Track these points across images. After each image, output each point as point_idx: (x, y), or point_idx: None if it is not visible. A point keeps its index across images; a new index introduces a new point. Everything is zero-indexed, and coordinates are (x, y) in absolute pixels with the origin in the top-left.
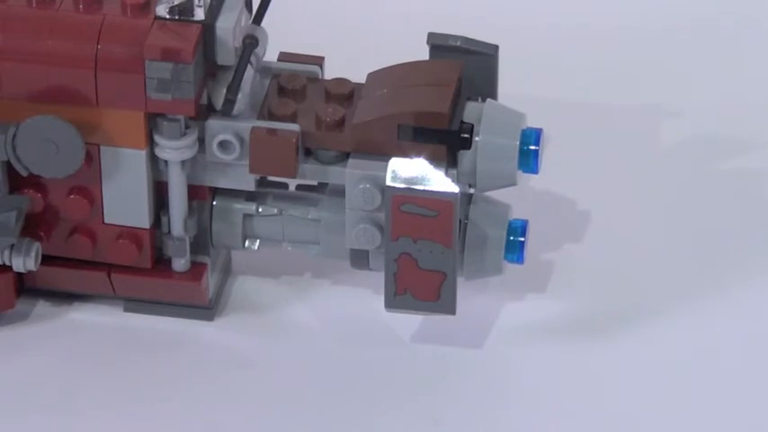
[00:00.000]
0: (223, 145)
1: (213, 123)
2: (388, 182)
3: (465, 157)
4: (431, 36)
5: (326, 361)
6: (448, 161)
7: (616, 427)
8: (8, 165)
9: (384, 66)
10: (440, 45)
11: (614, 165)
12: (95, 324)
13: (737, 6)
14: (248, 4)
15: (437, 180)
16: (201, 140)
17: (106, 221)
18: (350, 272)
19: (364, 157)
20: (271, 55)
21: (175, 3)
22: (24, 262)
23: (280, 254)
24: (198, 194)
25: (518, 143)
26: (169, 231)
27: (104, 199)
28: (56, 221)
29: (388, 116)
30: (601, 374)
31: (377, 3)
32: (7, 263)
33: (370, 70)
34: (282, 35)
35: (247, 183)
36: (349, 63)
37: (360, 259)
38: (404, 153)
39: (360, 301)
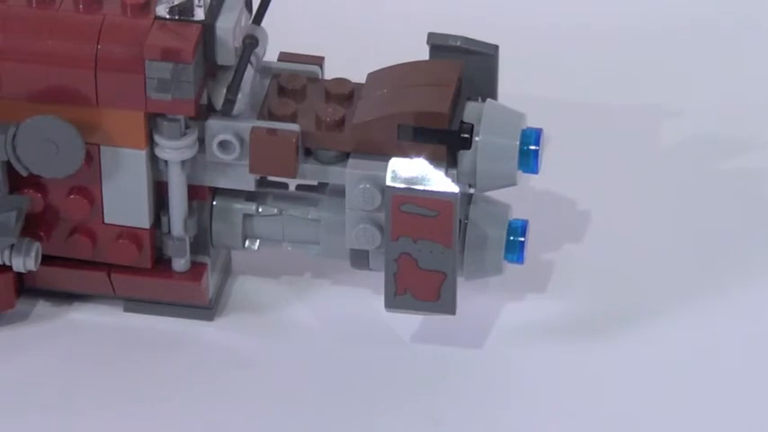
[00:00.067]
0: (223, 145)
1: (213, 123)
2: (388, 182)
3: (465, 157)
4: (431, 36)
5: (326, 361)
6: (448, 161)
7: (616, 427)
8: (8, 165)
9: (384, 66)
10: (440, 45)
11: (614, 165)
12: (95, 324)
13: (737, 6)
14: (248, 4)
15: (437, 180)
16: (201, 140)
17: (106, 221)
18: (350, 272)
19: (364, 157)
20: (271, 55)
21: (175, 3)
22: (24, 262)
23: (280, 254)
24: (198, 194)
25: (518, 143)
26: (169, 231)
27: (104, 199)
28: (56, 221)
29: (388, 116)
30: (601, 374)
31: (377, 3)
32: (7, 263)
33: (370, 70)
34: (282, 35)
35: (247, 183)
36: (349, 63)
37: (360, 259)
38: (404, 153)
39: (360, 301)
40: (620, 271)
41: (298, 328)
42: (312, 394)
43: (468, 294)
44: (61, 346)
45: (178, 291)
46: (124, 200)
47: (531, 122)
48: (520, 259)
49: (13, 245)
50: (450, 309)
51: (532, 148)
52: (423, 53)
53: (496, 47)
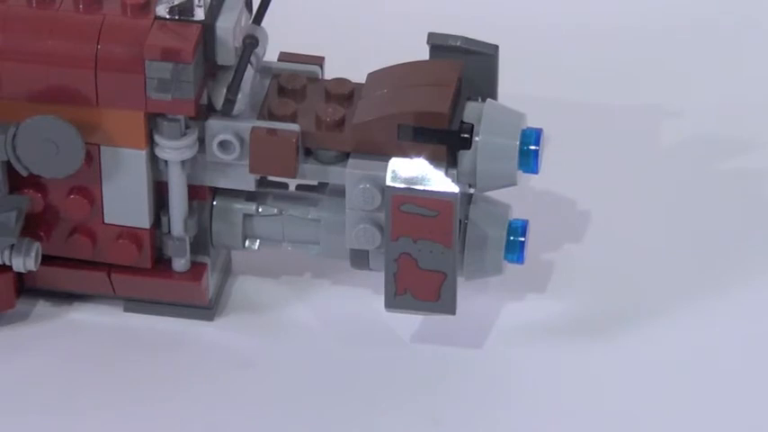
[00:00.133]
0: (223, 145)
1: (213, 123)
2: (388, 182)
3: (465, 157)
4: (431, 36)
5: (326, 361)
6: (448, 161)
7: (616, 427)
8: (8, 165)
9: (384, 66)
10: (440, 45)
11: (614, 165)
12: (95, 324)
13: (737, 6)
14: (248, 4)
15: (437, 180)
16: (201, 140)
17: (106, 221)
18: (350, 272)
19: (364, 157)
20: (271, 55)
21: (175, 3)
22: (24, 262)
23: (280, 254)
24: (198, 194)
25: (518, 143)
26: (169, 231)
27: (104, 199)
28: (56, 221)
29: (388, 116)
30: (601, 374)
31: (377, 3)
32: (7, 263)
33: (370, 70)
34: (282, 35)
35: (247, 183)
36: (349, 63)
37: (360, 259)
38: (404, 153)
39: (360, 301)
40: (620, 271)
41: (298, 328)
42: (312, 394)
43: (468, 294)
44: (61, 346)
45: (178, 291)
46: (124, 200)
47: (531, 122)
48: (520, 259)
49: (13, 245)
50: (450, 309)
51: (532, 148)
52: (423, 53)
53: (496, 47)
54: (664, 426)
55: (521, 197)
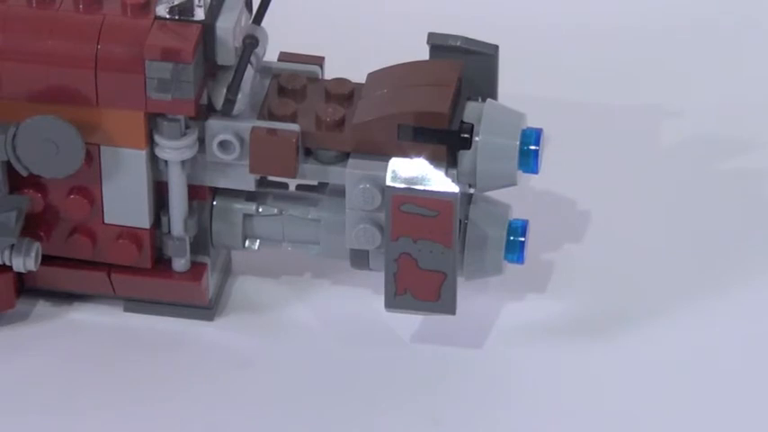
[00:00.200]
0: (223, 145)
1: (213, 123)
2: (388, 182)
3: (465, 157)
4: (431, 36)
5: (326, 361)
6: (448, 161)
7: (616, 427)
8: (8, 165)
9: (384, 66)
10: (440, 45)
11: (614, 165)
12: (95, 324)
13: (737, 6)
14: (248, 4)
15: (437, 180)
16: (201, 140)
17: (106, 221)
18: (350, 272)
19: (364, 157)
20: (271, 55)
21: (175, 3)
22: (24, 262)
23: (280, 254)
24: (198, 194)
25: (518, 143)
26: (169, 231)
27: (104, 199)
28: (56, 221)
29: (388, 116)
30: (601, 374)
31: (377, 3)
32: (7, 263)
33: (370, 70)
34: (282, 35)
35: (247, 183)
36: (349, 63)
37: (360, 259)
38: (404, 153)
39: (360, 301)
40: (620, 271)
41: (298, 328)
42: (312, 394)
43: (468, 294)
44: (61, 346)
45: (178, 291)
46: (124, 200)
47: (531, 122)
48: (520, 259)
49: (13, 245)
50: (450, 309)
51: (532, 148)
52: (423, 53)
53: (496, 47)
54: (664, 426)
55: (521, 197)
